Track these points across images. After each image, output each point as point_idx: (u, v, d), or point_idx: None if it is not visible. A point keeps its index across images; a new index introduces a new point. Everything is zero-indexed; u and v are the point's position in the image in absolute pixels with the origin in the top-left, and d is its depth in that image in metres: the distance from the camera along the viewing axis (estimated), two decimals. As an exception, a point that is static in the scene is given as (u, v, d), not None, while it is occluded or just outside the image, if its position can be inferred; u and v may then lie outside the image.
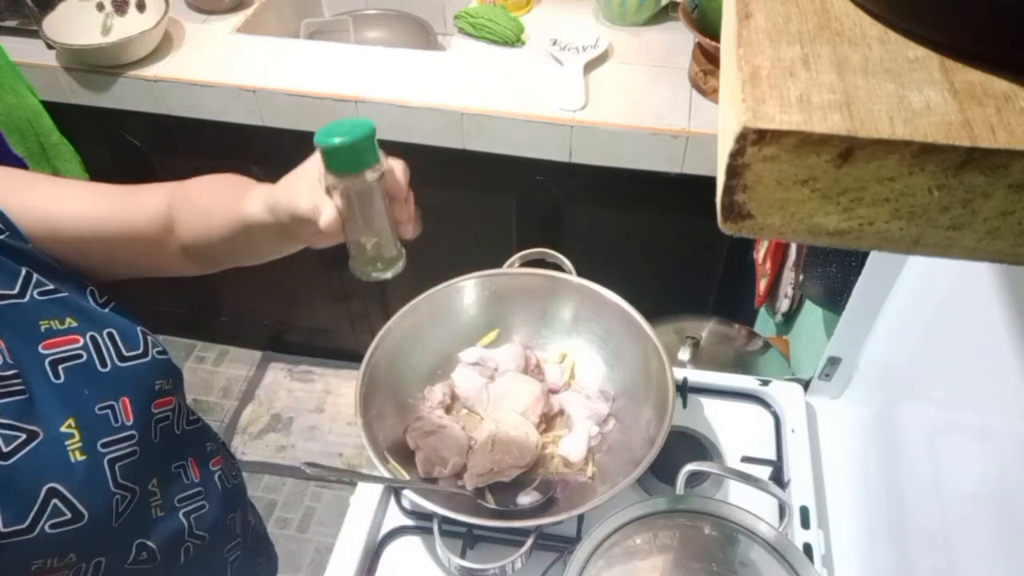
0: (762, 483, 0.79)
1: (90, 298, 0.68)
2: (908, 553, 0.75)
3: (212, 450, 0.81)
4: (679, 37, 1.49)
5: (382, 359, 0.92)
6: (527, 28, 1.53)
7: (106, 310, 0.69)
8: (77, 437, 0.61)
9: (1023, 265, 0.30)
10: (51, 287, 0.64)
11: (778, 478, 0.94)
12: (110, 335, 0.67)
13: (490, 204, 1.54)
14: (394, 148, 1.57)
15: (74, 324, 0.65)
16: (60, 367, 0.63)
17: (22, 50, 1.47)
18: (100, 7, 1.50)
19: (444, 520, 0.82)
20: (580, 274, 0.99)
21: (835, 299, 1.02)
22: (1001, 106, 0.28)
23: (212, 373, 2.17)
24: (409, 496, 0.89)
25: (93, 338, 0.65)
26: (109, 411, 0.65)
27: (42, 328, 0.63)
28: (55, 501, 0.58)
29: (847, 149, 0.27)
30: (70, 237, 0.68)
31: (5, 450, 0.57)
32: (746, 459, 0.96)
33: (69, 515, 0.59)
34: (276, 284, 1.88)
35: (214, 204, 0.71)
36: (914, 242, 0.30)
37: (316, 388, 2.11)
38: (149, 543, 0.69)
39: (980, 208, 0.28)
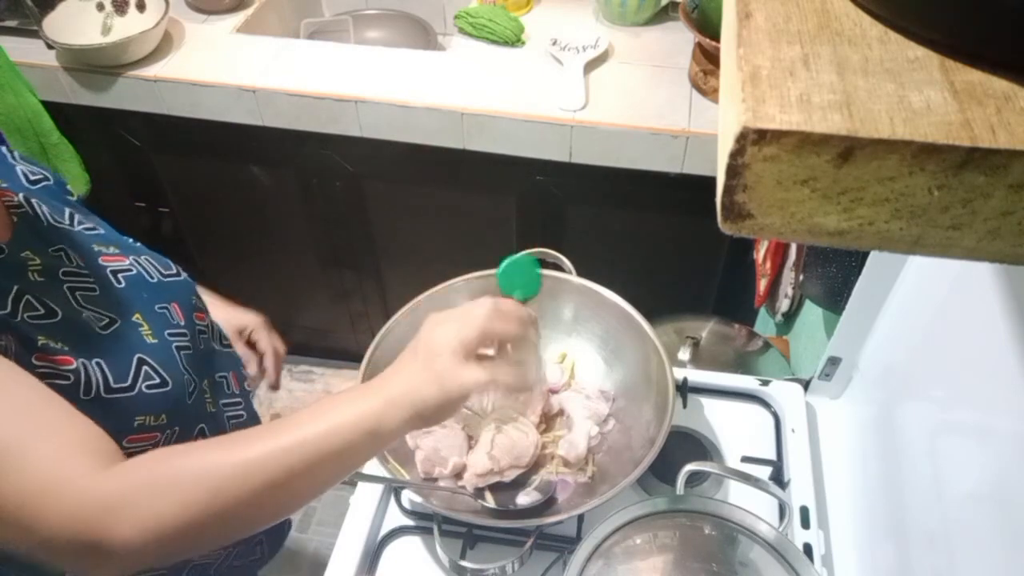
0: (762, 483, 0.79)
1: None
2: (908, 553, 0.75)
3: (244, 377, 0.96)
4: (679, 37, 1.49)
5: (382, 359, 0.92)
6: (527, 28, 1.53)
7: (137, 244, 0.82)
8: (146, 327, 0.73)
9: (1023, 265, 0.30)
10: (90, 225, 0.78)
11: (778, 478, 0.94)
12: (147, 259, 0.80)
13: (490, 204, 1.54)
14: (394, 148, 1.56)
15: (117, 251, 0.78)
16: (120, 275, 0.75)
17: (22, 50, 1.47)
18: (100, 7, 1.50)
19: (444, 520, 0.82)
20: (580, 274, 0.99)
21: (835, 299, 1.02)
22: (1001, 106, 0.28)
23: (212, 373, 2.16)
24: (409, 496, 0.89)
25: (135, 260, 0.79)
26: (166, 311, 0.77)
27: (95, 249, 0.75)
28: (145, 368, 0.70)
29: (847, 149, 0.27)
30: None
31: (99, 325, 0.69)
32: (746, 459, 0.96)
33: (158, 380, 0.71)
34: (276, 284, 1.88)
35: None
36: (914, 242, 0.30)
37: (316, 388, 2.11)
38: (206, 431, 0.81)
39: (980, 208, 0.28)
